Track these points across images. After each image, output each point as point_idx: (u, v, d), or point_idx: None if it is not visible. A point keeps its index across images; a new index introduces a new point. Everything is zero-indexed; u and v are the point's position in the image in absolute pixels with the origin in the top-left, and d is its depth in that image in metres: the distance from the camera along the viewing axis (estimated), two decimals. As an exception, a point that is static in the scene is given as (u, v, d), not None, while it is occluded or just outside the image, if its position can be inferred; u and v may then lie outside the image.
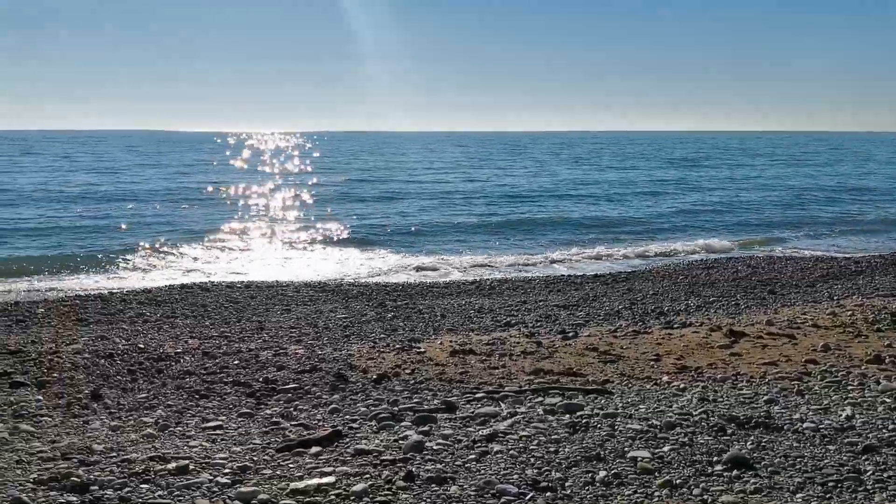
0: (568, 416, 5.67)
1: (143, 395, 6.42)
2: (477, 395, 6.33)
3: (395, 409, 5.89)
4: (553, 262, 17.51)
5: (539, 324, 9.66)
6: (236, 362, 7.52)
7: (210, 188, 35.66)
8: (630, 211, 28.29)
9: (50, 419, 5.69)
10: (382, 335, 8.88)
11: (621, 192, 34.80)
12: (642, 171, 51.07)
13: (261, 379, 6.92)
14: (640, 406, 6.03)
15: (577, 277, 14.18)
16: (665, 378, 7.02)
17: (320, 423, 5.63)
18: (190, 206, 29.28)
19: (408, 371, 7.26)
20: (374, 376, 7.03)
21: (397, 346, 8.30)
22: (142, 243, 19.44)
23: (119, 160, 61.03)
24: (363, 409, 6.03)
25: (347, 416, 5.83)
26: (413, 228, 22.94)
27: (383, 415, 5.75)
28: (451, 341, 8.57)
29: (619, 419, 5.58)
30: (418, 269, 16.40)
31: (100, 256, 17.40)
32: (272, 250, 19.37)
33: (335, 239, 21.01)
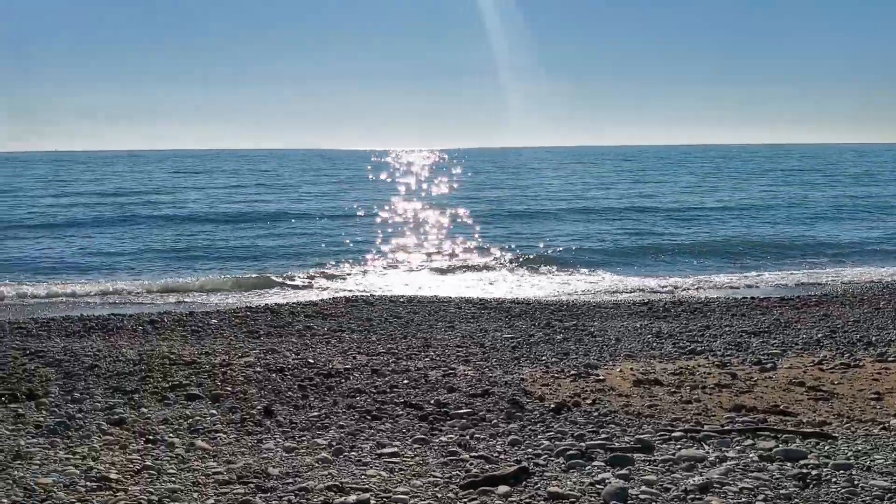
0: (790, 464, 4.86)
1: (315, 414, 6.24)
2: (674, 434, 5.62)
3: (583, 444, 5.32)
4: (725, 285, 16.18)
5: (729, 352, 8.72)
6: (405, 381, 7.24)
7: (366, 206, 36.62)
8: (813, 231, 25.99)
9: (224, 436, 5.60)
10: (554, 358, 8.31)
11: (800, 212, 32.06)
12: (818, 187, 47.07)
13: (432, 401, 6.57)
14: (875, 456, 5.11)
15: (763, 300, 12.91)
16: (894, 421, 6.00)
17: (501, 456, 5.17)
18: (350, 222, 30.17)
19: (588, 401, 6.67)
20: (553, 405, 6.49)
21: (572, 371, 7.71)
22: (307, 258, 20.08)
23: (288, 177, 64.49)
24: (545, 442, 5.51)
25: (529, 450, 5.34)
26: (573, 247, 22.17)
27: (571, 451, 5.20)
28: (631, 369, 7.87)
29: (854, 471, 4.72)
30: (583, 289, 15.67)
31: (268, 269, 18.06)
32: (428, 266, 19.33)
33: (491, 256, 20.69)
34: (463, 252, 21.55)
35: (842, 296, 13.49)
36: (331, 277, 17.25)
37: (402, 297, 13.63)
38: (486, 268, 18.53)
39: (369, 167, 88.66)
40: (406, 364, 8.00)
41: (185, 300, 14.17)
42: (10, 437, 5.31)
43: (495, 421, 6.09)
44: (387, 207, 36.27)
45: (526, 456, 5.20)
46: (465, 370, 7.75)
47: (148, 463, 4.79)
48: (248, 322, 10.61)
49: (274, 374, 7.50)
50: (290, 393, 6.90)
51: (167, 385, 6.99)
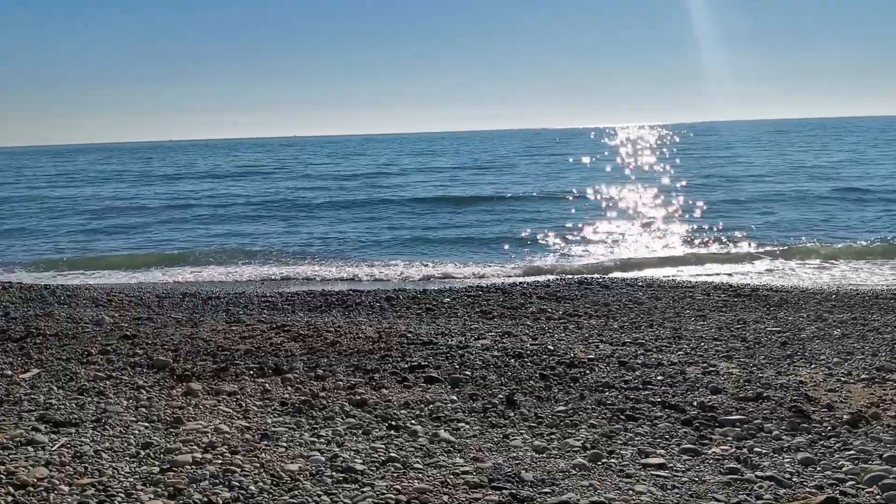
0: None
1: (562, 408, 5.71)
2: None
3: (900, 471, 4.28)
4: None
5: None
6: (660, 378, 6.48)
7: (594, 186, 35.54)
8: None
9: (468, 427, 5.25)
10: (836, 358, 7.08)
11: None
12: None
13: (695, 403, 5.78)
14: None
15: None
16: None
17: (794, 479, 4.30)
18: (572, 200, 29.43)
19: (891, 413, 5.49)
20: (846, 416, 5.42)
21: (863, 375, 6.48)
22: (530, 236, 19.72)
23: (507, 156, 64.98)
24: (847, 464, 4.56)
25: (828, 472, 4.42)
26: (835, 233, 19.67)
27: (888, 480, 4.19)
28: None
29: None
30: (853, 280, 13.71)
31: (490, 247, 17.94)
32: (663, 250, 18.10)
33: (729, 239, 18.93)
34: (699, 236, 19.94)
35: None
36: (554, 258, 16.69)
37: (640, 279, 12.73)
38: (729, 255, 16.91)
39: (599, 146, 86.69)
40: (657, 357, 7.22)
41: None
42: (258, 415, 5.35)
43: (776, 432, 5.19)
44: (615, 189, 34.93)
45: (827, 481, 4.29)
46: (728, 367, 6.82)
47: (393, 454, 4.54)
48: (480, 302, 10.36)
49: (512, 360, 7.10)
50: (531, 382, 6.45)
51: (406, 366, 6.83)
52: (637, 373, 6.68)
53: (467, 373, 6.70)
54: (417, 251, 18.55)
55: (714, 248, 17.84)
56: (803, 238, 18.51)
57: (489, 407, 5.76)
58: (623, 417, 5.51)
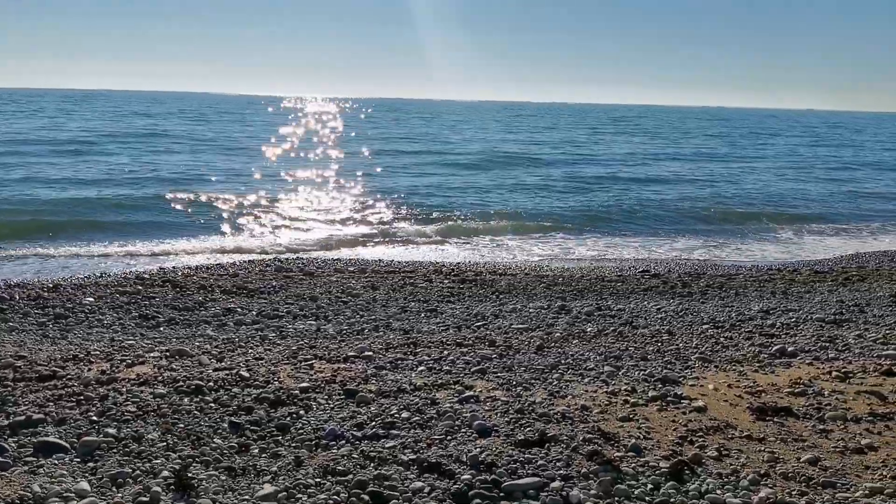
0: None
1: (268, 491, 3.65)
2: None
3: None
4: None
5: (827, 350, 6.59)
6: (405, 414, 4.71)
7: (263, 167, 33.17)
8: None
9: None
10: (607, 366, 5.93)
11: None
12: None
13: (464, 459, 4.11)
14: None
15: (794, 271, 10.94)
16: None
17: None
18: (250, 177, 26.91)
19: (710, 452, 4.34)
20: (663, 465, 4.14)
21: (650, 391, 5.35)
22: (195, 217, 17.03)
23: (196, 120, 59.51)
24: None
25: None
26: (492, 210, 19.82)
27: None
28: (727, 384, 5.60)
29: None
30: (554, 255, 13.39)
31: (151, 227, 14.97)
32: (353, 226, 16.62)
33: (412, 218, 18.12)
34: (383, 213, 18.85)
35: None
36: (236, 235, 14.34)
37: (347, 261, 10.96)
38: (407, 227, 15.94)
39: (268, 115, 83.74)
40: (394, 378, 5.46)
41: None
42: None
43: (581, 498, 3.70)
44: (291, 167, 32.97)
45: None
46: (487, 388, 5.28)
47: None
48: (140, 301, 7.76)
49: (187, 400, 4.86)
50: (217, 439, 4.29)
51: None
52: (372, 408, 4.84)
53: (111, 429, 4.33)
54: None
55: (401, 226, 16.75)
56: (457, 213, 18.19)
57: (144, 500, 3.51)
58: (366, 498, 3.63)
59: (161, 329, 6.82)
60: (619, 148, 41.33)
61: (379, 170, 27.16)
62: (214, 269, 10.26)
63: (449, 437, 4.44)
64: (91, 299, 7.70)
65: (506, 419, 4.73)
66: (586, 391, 5.35)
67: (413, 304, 8.21)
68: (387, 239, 14.36)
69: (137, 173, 22.99)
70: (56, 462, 4.00)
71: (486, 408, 4.93)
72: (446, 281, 9.61)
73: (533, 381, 5.52)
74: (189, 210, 16.96)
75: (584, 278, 10.12)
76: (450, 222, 16.36)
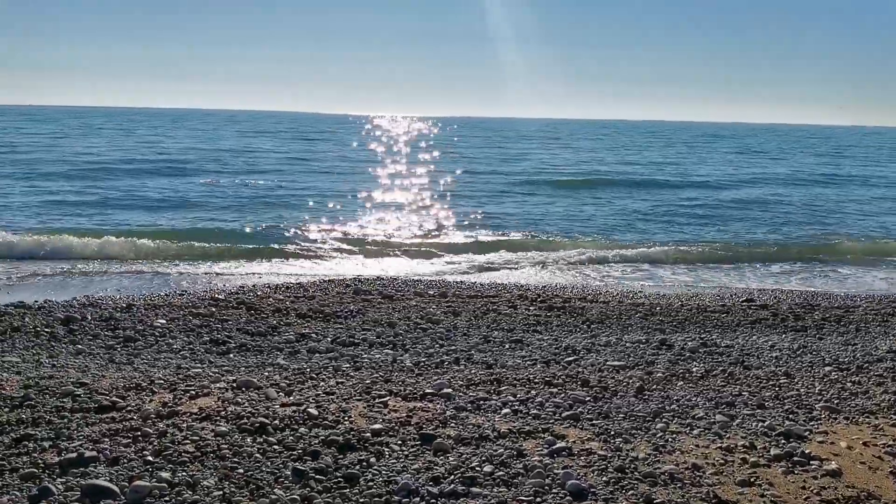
0: None
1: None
2: None
3: None
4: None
5: None
6: (487, 467, 4.17)
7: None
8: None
9: None
10: (719, 416, 5.25)
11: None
12: None
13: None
14: None
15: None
16: None
17: None
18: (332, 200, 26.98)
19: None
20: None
21: (772, 450, 4.65)
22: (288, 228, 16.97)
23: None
24: None
25: None
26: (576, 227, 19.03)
27: None
28: (862, 442, 4.85)
29: None
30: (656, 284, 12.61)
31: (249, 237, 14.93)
32: (436, 248, 16.20)
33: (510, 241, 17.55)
34: (465, 233, 18.38)
35: None
36: (313, 256, 14.13)
37: (428, 283, 10.51)
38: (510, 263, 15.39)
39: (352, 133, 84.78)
40: (475, 421, 4.94)
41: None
42: None
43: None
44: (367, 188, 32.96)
45: None
46: (582, 440, 4.69)
47: None
48: (212, 324, 7.50)
49: (249, 440, 4.47)
50: (277, 489, 3.86)
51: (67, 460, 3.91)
52: (451, 458, 4.33)
53: (166, 473, 3.97)
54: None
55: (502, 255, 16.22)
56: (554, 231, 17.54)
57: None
58: None
59: (231, 356, 6.50)
60: (721, 168, 39.70)
61: (466, 189, 26.79)
62: (293, 289, 9.99)
63: (539, 499, 3.89)
64: (163, 321, 7.48)
65: (604, 479, 4.14)
66: (697, 446, 4.69)
67: (496, 332, 7.68)
68: (468, 261, 13.88)
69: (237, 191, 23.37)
70: (99, 512, 3.65)
71: (581, 463, 4.34)
72: (532, 308, 9.04)
73: (634, 431, 4.90)
74: (273, 225, 16.95)
75: (683, 307, 9.36)
76: (529, 243, 15.78)
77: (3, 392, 5.11)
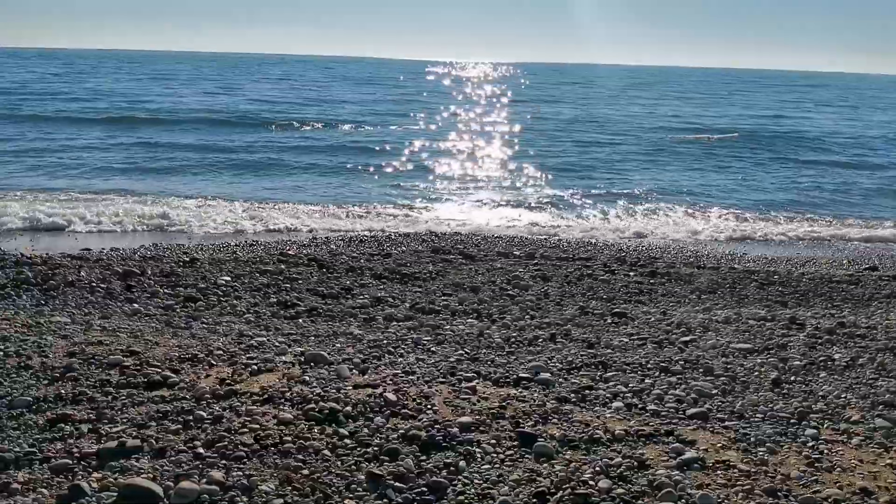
0: None
1: None
2: None
3: None
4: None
5: None
6: (619, 489, 3.41)
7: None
8: None
9: None
10: (879, 420, 4.35)
11: None
12: None
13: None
14: None
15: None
16: None
17: None
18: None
19: None
20: None
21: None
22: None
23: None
24: None
25: None
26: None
27: None
28: None
29: None
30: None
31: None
32: (521, 201, 15.33)
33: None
34: (554, 190, 17.38)
35: None
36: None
37: (511, 241, 9.72)
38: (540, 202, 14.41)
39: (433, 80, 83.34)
40: (581, 418, 4.18)
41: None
42: None
43: None
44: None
45: None
46: (715, 448, 3.88)
47: None
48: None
49: (316, 430, 3.82)
50: (348, 501, 3.21)
51: None
52: (557, 467, 3.59)
53: (218, 473, 3.38)
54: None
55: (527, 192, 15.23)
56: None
57: None
58: None
59: (300, 321, 5.90)
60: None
61: (547, 142, 25.63)
62: (367, 244, 9.38)
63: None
64: (227, 278, 6.94)
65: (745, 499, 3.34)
66: (860, 461, 3.83)
67: (594, 303, 6.87)
68: (557, 217, 12.99)
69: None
70: (142, 519, 3.07)
71: (720, 481, 3.54)
72: (632, 273, 8.17)
73: (778, 438, 4.06)
74: (349, 173, 16.38)
75: (805, 277, 8.33)
76: (623, 200, 14.76)
77: (46, 361, 4.60)
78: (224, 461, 3.53)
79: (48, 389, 4.20)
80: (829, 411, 4.46)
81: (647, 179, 17.55)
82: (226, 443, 3.69)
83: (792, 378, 5.00)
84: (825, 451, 3.91)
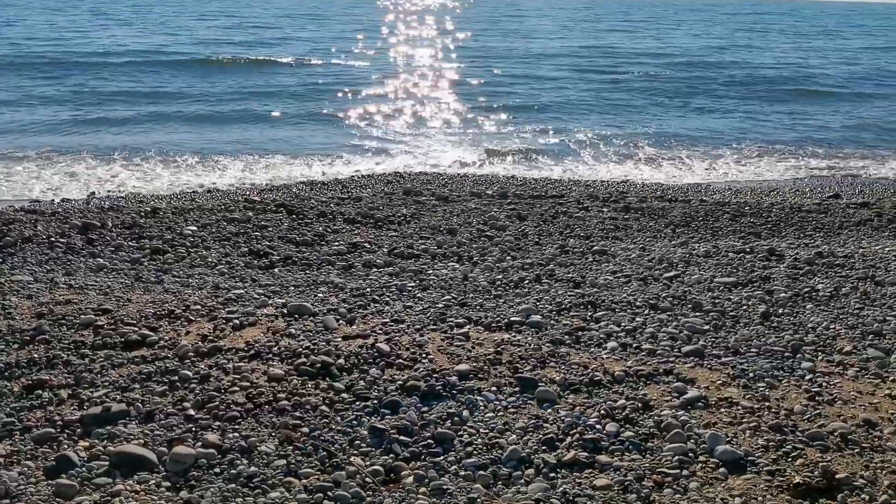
0: None
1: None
2: None
3: None
4: None
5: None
6: (627, 432, 3.37)
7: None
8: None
9: None
10: (870, 349, 4.38)
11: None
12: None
13: None
14: None
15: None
16: None
17: None
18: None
19: None
20: None
21: None
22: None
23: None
24: None
25: None
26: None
27: None
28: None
29: None
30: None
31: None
32: (486, 138, 15.11)
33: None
34: (521, 126, 17.18)
35: None
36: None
37: (480, 179, 9.56)
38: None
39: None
40: (578, 360, 4.12)
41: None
42: None
43: None
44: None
45: None
46: (716, 385, 3.87)
47: None
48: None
49: (310, 385, 3.69)
50: (354, 457, 3.11)
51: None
52: (561, 412, 3.54)
53: (212, 435, 3.24)
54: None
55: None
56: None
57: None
58: None
59: (275, 271, 5.71)
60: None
61: (503, 73, 25.20)
62: (331, 186, 9.15)
63: (685, 471, 3.10)
64: (193, 228, 6.68)
65: (760, 441, 3.33)
66: (859, 393, 3.86)
67: (572, 241, 6.80)
68: (526, 154, 12.82)
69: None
70: (139, 488, 2.92)
71: (725, 419, 3.53)
72: (605, 209, 8.12)
73: (776, 372, 4.06)
74: (294, 111, 15.90)
75: (774, 207, 8.38)
76: (590, 134, 14.64)
77: (12, 323, 4.36)
78: (218, 423, 3.40)
79: (19, 354, 3.98)
80: (821, 343, 4.48)
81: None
82: (217, 403, 3.55)
83: (780, 311, 5.02)
84: (823, 384, 3.94)
